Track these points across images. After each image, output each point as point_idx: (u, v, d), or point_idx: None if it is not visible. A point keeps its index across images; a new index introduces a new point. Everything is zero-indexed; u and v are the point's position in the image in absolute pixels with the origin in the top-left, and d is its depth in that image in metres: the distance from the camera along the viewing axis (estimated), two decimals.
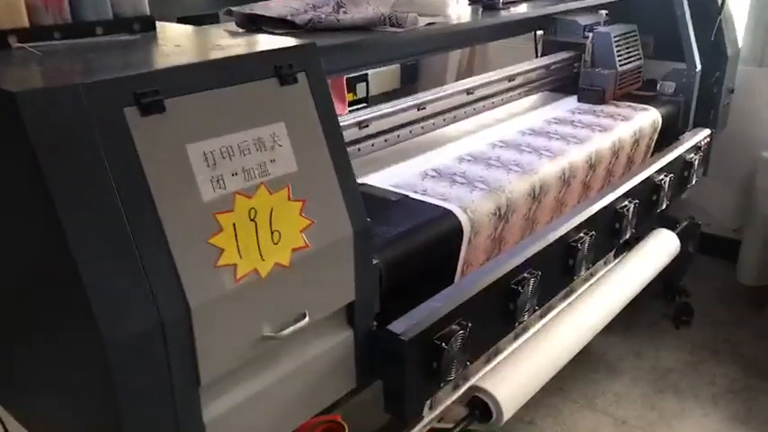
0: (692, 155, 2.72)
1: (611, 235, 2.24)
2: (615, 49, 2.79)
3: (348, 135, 1.97)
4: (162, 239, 1.06)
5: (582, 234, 2.01)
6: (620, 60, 2.81)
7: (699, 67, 2.90)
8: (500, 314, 1.76)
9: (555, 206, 2.18)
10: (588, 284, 2.40)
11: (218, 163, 1.14)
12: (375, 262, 1.48)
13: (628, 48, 2.87)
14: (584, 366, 2.67)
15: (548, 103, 2.83)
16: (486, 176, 2.01)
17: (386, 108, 2.10)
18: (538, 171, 2.08)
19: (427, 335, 1.50)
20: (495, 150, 2.24)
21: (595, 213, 2.08)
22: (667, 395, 2.60)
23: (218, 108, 1.16)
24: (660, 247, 2.71)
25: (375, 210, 1.74)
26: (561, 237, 1.93)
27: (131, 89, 1.05)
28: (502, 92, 2.57)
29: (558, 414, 2.50)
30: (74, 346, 1.10)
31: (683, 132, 2.90)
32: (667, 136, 2.80)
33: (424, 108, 2.21)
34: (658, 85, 2.99)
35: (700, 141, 2.80)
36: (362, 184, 1.94)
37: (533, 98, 2.86)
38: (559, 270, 1.98)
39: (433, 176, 2.02)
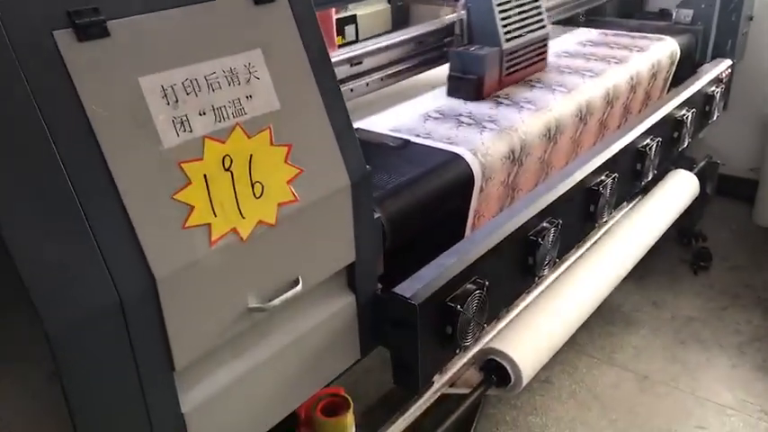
0: (714, 87, 2.51)
1: (634, 176, 2.04)
2: (499, 17, 1.91)
3: (339, 73, 1.74)
4: (114, 197, 0.86)
5: (603, 177, 1.81)
6: (507, 33, 1.92)
7: None
8: (518, 269, 1.57)
9: (570, 148, 1.97)
10: (603, 231, 2.20)
11: (180, 100, 0.92)
12: (377, 216, 1.28)
13: (522, 13, 1.98)
14: (598, 319, 2.50)
15: (557, 36, 2.58)
16: (496, 116, 1.79)
17: (380, 42, 1.86)
18: (552, 108, 1.86)
19: (440, 297, 1.31)
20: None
21: (617, 153, 1.87)
22: (690, 346, 2.44)
23: (179, 32, 0.94)
24: (679, 189, 2.51)
25: (372, 157, 1.54)
26: (582, 180, 1.73)
27: (62, 7, 0.83)
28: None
29: (575, 371, 2.34)
30: (16, 335, 0.90)
31: (701, 64, 2.67)
32: (684, 69, 2.57)
33: (423, 42, 1.97)
34: (674, 14, 2.75)
35: (721, 73, 2.58)
36: (357, 129, 1.72)
37: None
38: (581, 217, 1.79)
39: (436, 118, 1.80)
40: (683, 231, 2.99)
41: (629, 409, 2.18)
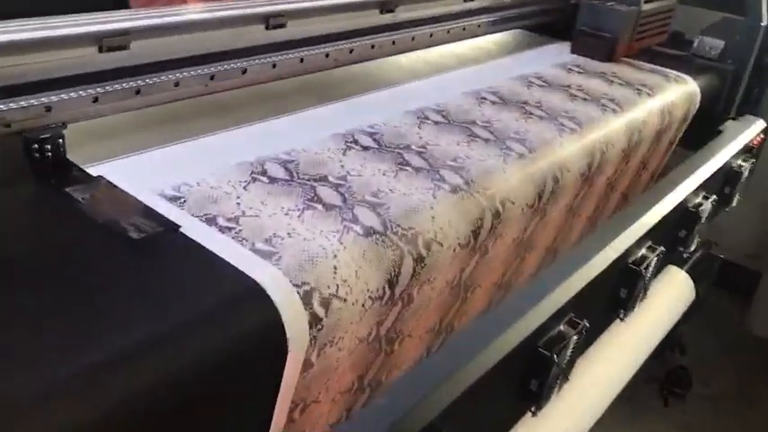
0: (741, 161, 1.72)
1: (609, 309, 1.23)
2: None
3: (82, 60, 0.87)
4: None
5: (563, 326, 0.99)
6: None
7: (766, 20, 1.85)
8: None
9: (509, 258, 1.14)
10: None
11: None
12: None
13: None
14: None
15: (524, 49, 1.75)
16: (386, 194, 0.94)
17: (190, 14, 0.99)
18: (490, 186, 1.02)
19: None
20: (420, 130, 1.16)
21: (593, 281, 1.05)
22: None
23: None
24: (669, 300, 1.73)
25: (81, 264, 0.71)
26: (522, 343, 0.90)
27: None
28: (447, 18, 1.45)
29: None
30: None
31: (724, 120, 1.87)
32: (698, 125, 1.76)
33: (283, 25, 1.10)
34: (695, 43, 1.93)
35: (752, 139, 1.78)
36: (96, 178, 0.85)
37: (500, 38, 1.77)
38: (508, 404, 0.96)
39: (278, 181, 0.95)
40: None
41: None
